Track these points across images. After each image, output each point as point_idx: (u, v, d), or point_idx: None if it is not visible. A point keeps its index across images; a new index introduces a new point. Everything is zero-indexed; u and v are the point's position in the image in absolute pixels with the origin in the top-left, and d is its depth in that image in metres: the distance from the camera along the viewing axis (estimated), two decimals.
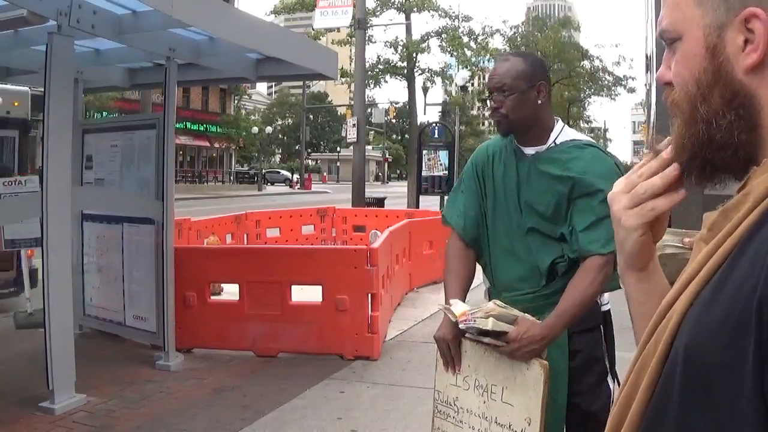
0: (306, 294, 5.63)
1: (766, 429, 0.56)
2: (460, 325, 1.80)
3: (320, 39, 17.55)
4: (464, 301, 1.97)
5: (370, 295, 5.29)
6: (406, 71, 20.23)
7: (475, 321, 1.76)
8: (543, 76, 2.02)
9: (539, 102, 1.98)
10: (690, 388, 0.63)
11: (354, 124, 14.53)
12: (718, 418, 0.59)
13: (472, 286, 2.16)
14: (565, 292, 1.88)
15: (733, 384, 0.58)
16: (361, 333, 5.23)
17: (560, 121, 2.08)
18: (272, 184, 52.61)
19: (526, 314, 1.83)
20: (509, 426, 1.77)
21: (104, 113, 29.81)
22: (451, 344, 1.91)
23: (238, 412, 4.10)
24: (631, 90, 29.50)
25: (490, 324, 1.74)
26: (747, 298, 0.58)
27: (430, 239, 8.69)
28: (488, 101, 2.03)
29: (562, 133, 2.03)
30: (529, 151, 2.03)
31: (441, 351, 1.95)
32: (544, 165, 1.99)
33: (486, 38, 21.48)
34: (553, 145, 2.01)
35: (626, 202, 0.80)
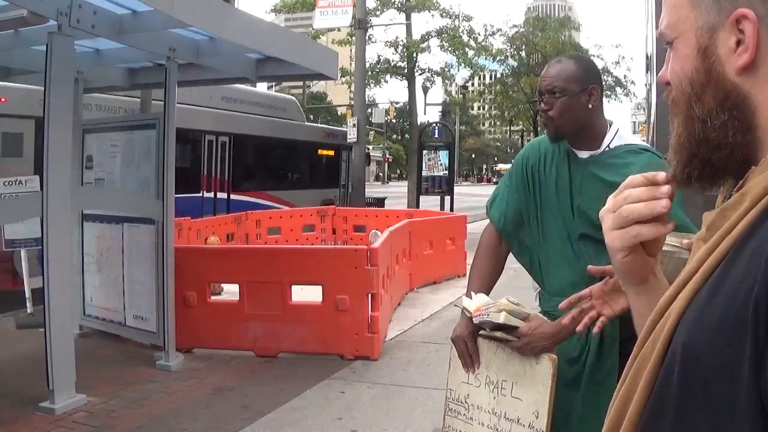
0: (306, 294, 5.63)
1: (764, 427, 0.56)
2: (474, 320, 1.82)
3: (320, 38, 17.55)
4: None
5: (370, 295, 5.29)
6: (406, 71, 20.22)
7: (488, 315, 1.78)
8: (595, 80, 1.96)
9: (590, 106, 1.93)
10: (688, 386, 0.63)
11: (354, 124, 14.53)
12: (716, 417, 0.59)
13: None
14: None
15: (730, 383, 0.58)
16: (361, 333, 5.23)
17: (614, 124, 2.02)
18: None
19: (539, 313, 1.83)
20: (518, 420, 1.78)
21: None
22: (468, 342, 1.91)
23: (238, 412, 4.10)
24: (626, 93, 29.59)
25: (502, 318, 1.75)
26: (744, 297, 0.58)
27: (431, 239, 8.69)
28: (539, 103, 1.96)
29: (616, 136, 1.98)
30: (583, 155, 1.98)
31: (459, 351, 1.93)
32: (598, 170, 1.93)
33: (486, 38, 21.50)
34: (607, 149, 1.96)
35: (611, 222, 0.78)
